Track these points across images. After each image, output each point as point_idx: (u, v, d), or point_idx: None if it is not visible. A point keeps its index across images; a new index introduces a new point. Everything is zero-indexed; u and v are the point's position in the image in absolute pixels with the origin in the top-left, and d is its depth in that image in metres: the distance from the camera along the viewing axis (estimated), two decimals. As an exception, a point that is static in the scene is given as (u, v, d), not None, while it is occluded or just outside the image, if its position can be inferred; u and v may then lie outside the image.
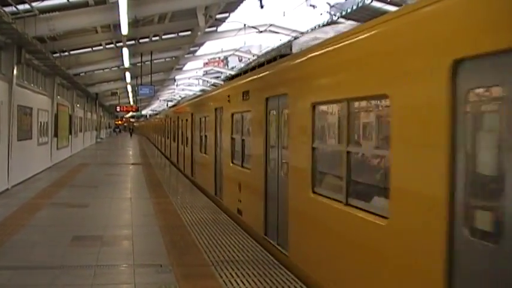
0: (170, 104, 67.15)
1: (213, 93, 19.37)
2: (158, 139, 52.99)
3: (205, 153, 19.62)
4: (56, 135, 30.42)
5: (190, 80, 66.99)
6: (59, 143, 31.70)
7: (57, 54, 27.94)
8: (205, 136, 19.58)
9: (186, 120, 25.79)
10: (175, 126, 32.21)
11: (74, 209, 15.14)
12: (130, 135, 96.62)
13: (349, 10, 27.59)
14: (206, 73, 65.46)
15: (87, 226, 12.74)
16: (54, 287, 8.10)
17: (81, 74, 36.77)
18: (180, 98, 55.19)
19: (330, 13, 29.54)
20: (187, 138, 25.57)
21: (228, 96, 14.94)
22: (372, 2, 25.78)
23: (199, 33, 29.11)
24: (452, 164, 4.78)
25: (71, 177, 24.05)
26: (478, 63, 4.55)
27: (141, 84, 38.95)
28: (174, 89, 73.01)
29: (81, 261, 9.43)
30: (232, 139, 14.58)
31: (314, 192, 8.28)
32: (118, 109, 60.18)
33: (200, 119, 20.84)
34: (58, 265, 9.16)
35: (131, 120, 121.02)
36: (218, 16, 27.21)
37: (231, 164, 14.53)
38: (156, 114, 76.45)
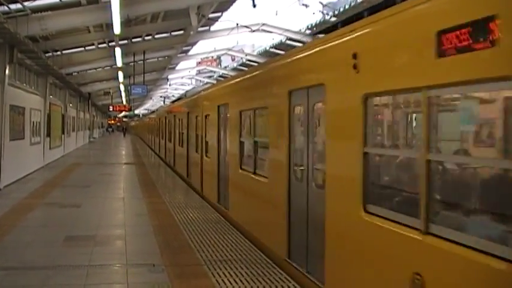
0: (168, 101, 65.90)
1: (279, 63, 10.63)
2: (156, 141, 45.16)
3: (254, 173, 11.77)
4: (48, 135, 30.34)
5: (183, 79, 66.95)
6: (51, 142, 31.62)
7: (50, 54, 27.85)
8: (255, 144, 11.87)
9: (206, 116, 18.00)
10: (183, 126, 24.45)
11: (66, 209, 15.11)
12: (124, 134, 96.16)
13: (341, 9, 27.65)
14: (199, 72, 65.42)
15: (79, 226, 12.72)
16: None
17: (73, 74, 36.66)
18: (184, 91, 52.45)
19: (322, 12, 29.60)
20: (206, 143, 18.09)
21: (354, 57, 6.76)
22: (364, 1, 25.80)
23: (191, 32, 29.06)
24: None
25: (64, 177, 23.99)
26: None
27: (133, 84, 38.93)
28: (167, 88, 72.96)
29: (74, 261, 9.41)
30: (366, 156, 6.61)
31: None
32: (111, 109, 60.17)
33: (240, 114, 13.00)
34: (51, 265, 9.15)
35: (124, 119, 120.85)
36: (211, 15, 27.15)
37: (364, 214, 6.50)
38: (153, 112, 70.62)
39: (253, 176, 11.71)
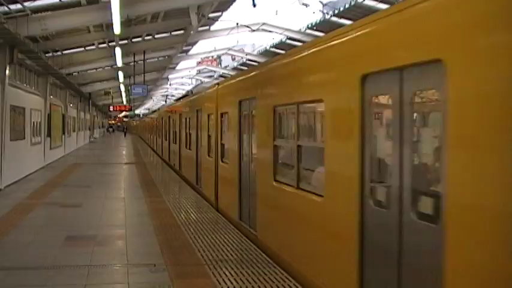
0: (169, 100, 65.02)
1: (343, 37, 7.26)
2: (158, 142, 41.28)
3: (298, 187, 8.87)
4: (49, 135, 30.35)
5: (183, 79, 67.00)
6: (52, 142, 31.63)
7: (50, 54, 27.90)
8: (299, 149, 8.94)
9: (222, 114, 15.25)
10: (191, 126, 21.46)
11: (67, 209, 15.11)
12: (125, 134, 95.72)
13: (341, 9, 27.65)
14: (199, 72, 65.44)
15: (80, 226, 12.71)
16: (47, 288, 8.10)
17: (74, 74, 36.67)
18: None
19: (322, 12, 29.61)
20: (222, 146, 15.41)
21: None
22: (364, 0, 25.83)
23: (192, 32, 29.07)
24: None
25: (64, 177, 23.99)
26: None
27: (134, 84, 38.95)
28: (167, 88, 73.01)
29: (75, 261, 9.40)
30: None
31: None
32: (111, 109, 60.18)
33: (275, 110, 10.05)
34: (51, 265, 9.14)
35: (125, 119, 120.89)
36: (211, 15, 27.17)
37: None
38: (155, 111, 64.72)
39: (296, 191, 8.78)
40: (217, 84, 16.84)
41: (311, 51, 8.58)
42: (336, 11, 28.42)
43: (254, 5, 23.03)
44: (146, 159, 37.02)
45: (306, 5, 28.44)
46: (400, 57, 5.65)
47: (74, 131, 45.44)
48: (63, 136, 37.17)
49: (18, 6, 18.44)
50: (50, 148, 31.11)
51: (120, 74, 38.31)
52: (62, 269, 8.94)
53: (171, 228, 12.39)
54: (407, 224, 5.49)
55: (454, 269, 4.61)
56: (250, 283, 8.20)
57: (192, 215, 14.15)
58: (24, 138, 23.71)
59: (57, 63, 29.25)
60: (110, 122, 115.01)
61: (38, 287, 8.09)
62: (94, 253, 10.07)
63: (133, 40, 31.59)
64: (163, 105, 64.62)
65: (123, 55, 30.66)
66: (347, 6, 27.03)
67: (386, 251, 5.84)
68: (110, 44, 30.20)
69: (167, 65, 46.21)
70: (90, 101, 55.86)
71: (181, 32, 30.84)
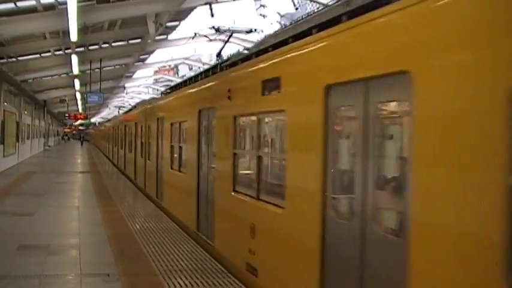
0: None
1: None
2: (126, 157, 30.28)
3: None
4: (2, 142, 29.87)
5: (140, 88, 66.65)
6: (5, 150, 31.13)
7: (5, 60, 27.48)
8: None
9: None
10: (190, 137, 13.68)
11: (19, 218, 14.88)
12: (81, 143, 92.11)
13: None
14: (156, 81, 65.23)
15: (33, 235, 12.54)
16: (-2, 298, 7.98)
17: (29, 81, 36.24)
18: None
19: (279, 23, 29.84)
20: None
21: None
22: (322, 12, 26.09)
23: (149, 40, 29.02)
24: None
25: (18, 185, 23.62)
26: None
27: (90, 92, 38.66)
28: (124, 96, 72.47)
29: (27, 271, 9.28)
30: None
31: None
32: (67, 116, 59.57)
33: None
34: (3, 275, 9.00)
35: (80, 128, 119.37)
36: (168, 24, 27.17)
37: None
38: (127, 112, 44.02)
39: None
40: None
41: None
42: (293, 23, 28.66)
43: (212, 15, 23.11)
44: (101, 168, 36.67)
45: (264, 16, 28.65)
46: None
47: (28, 138, 44.79)
48: (17, 143, 36.61)
49: (-28, 11, 18.20)
50: (3, 156, 30.61)
51: (76, 82, 37.97)
52: (14, 279, 8.81)
53: (125, 237, 12.33)
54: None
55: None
56: (204, 293, 8.22)
57: (146, 224, 14.09)
58: (-24, 145, 23.31)
59: (12, 69, 28.84)
60: (65, 130, 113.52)
61: (-12, 297, 7.98)
62: (47, 263, 9.96)
63: (90, 48, 31.35)
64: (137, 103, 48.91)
65: (80, 63, 30.39)
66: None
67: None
68: (66, 51, 29.92)
69: (124, 74, 45.98)
70: (46, 109, 55.17)
71: (139, 40, 30.75)
